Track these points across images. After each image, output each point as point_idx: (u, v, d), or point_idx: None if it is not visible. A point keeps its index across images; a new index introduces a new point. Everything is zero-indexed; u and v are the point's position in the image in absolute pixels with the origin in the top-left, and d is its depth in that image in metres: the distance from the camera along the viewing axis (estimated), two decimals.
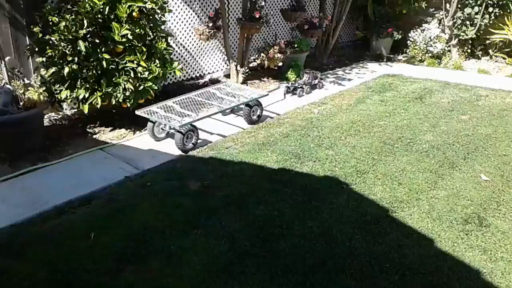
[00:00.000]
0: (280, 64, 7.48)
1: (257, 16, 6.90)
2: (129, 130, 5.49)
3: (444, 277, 3.04)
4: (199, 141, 5.12)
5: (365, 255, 3.23)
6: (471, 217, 3.71)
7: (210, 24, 6.99)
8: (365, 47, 10.38)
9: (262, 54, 7.47)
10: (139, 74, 5.01)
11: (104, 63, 4.84)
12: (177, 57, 7.22)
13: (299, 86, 7.10)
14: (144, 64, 5.02)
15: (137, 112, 5.27)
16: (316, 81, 7.46)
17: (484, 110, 6.31)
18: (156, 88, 5.24)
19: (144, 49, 5.09)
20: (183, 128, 4.90)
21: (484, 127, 5.65)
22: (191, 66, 7.57)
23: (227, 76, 7.69)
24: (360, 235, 3.45)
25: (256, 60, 8.21)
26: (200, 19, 7.38)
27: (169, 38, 5.74)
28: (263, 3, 7.36)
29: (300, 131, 5.47)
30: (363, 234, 3.47)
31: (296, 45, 8.05)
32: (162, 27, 5.51)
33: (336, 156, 4.81)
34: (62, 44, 4.82)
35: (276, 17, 8.69)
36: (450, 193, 4.10)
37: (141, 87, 5.07)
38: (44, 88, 5.00)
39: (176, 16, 7.08)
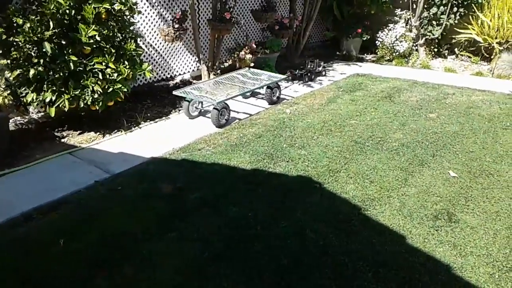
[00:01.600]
0: (252, 64, 7.49)
1: (228, 17, 6.88)
2: (98, 133, 5.38)
3: (416, 273, 3.09)
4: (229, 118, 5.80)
5: (339, 254, 3.26)
6: (441, 213, 3.79)
7: (176, 26, 6.93)
8: (335, 47, 10.48)
9: (233, 55, 7.48)
10: (107, 76, 4.93)
11: (71, 65, 4.74)
12: (147, 59, 7.13)
13: (305, 73, 7.89)
14: (112, 66, 4.93)
15: (175, 92, 5.91)
16: (320, 68, 8.24)
17: (451, 108, 6.46)
18: (125, 90, 5.16)
19: (113, 51, 5.01)
20: (218, 105, 5.50)
21: (451, 125, 5.78)
22: (161, 67, 7.49)
23: (199, 77, 7.64)
24: (334, 234, 3.48)
25: (227, 61, 8.19)
26: (171, 20, 7.30)
27: (138, 40, 5.66)
28: (233, 4, 7.35)
29: (273, 131, 5.48)
30: (337, 233, 3.50)
31: (267, 46, 8.08)
32: (131, 28, 5.43)
33: (308, 155, 4.84)
34: (27, 46, 4.68)
35: (247, 17, 8.69)
36: (420, 190, 4.18)
37: (110, 89, 4.99)
38: (9, 91, 4.86)
39: (146, 17, 6.99)
